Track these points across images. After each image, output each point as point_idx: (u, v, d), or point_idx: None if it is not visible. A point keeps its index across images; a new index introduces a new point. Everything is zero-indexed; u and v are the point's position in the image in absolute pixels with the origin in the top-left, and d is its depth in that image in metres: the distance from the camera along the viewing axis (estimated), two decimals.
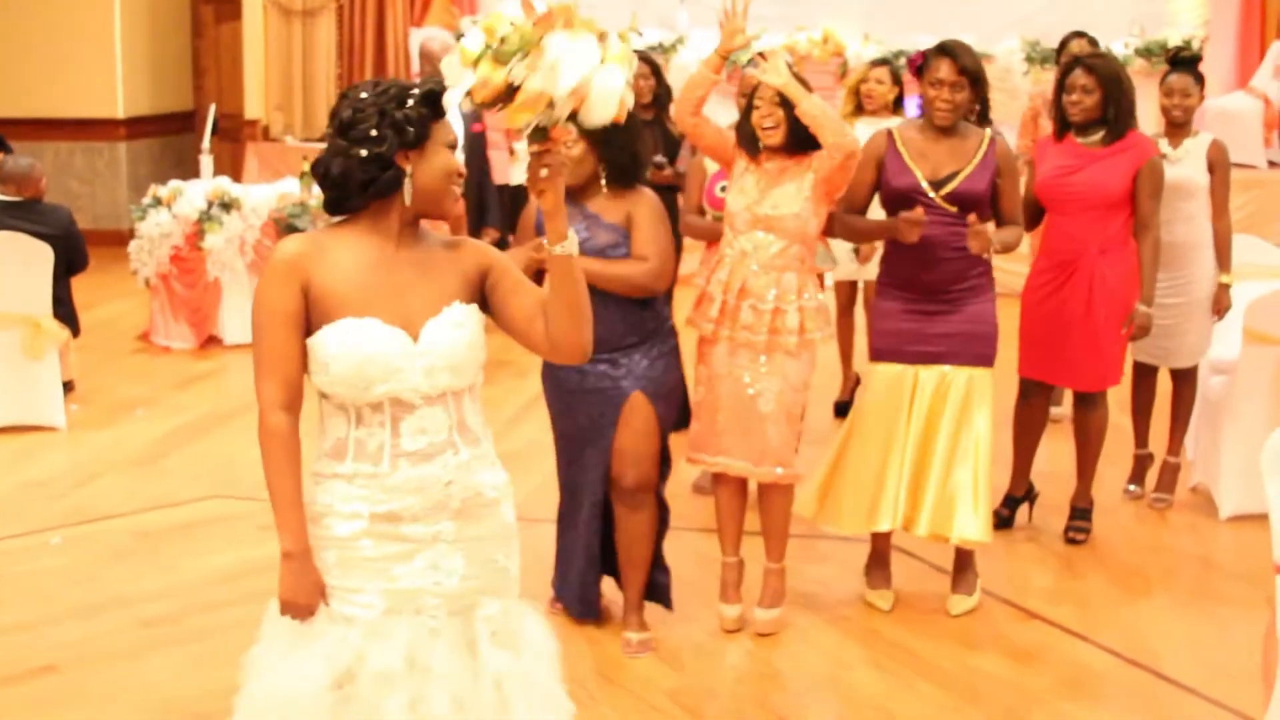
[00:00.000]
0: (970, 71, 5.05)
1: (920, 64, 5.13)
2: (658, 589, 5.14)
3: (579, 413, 4.90)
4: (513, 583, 3.22)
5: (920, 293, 5.15)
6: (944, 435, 5.11)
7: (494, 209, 8.68)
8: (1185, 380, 6.46)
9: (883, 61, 7.96)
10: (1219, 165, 6.20)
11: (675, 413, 5.08)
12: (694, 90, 5.04)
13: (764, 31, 11.20)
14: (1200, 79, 6.32)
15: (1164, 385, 6.50)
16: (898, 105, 7.54)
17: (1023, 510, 6.21)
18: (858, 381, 8.07)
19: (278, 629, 3.09)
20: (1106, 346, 5.83)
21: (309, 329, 3.01)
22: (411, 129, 3.00)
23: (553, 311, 3.09)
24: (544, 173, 3.00)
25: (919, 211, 5.01)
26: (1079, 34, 7.74)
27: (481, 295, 3.13)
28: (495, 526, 3.16)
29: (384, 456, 3.02)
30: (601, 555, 5.10)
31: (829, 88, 10.73)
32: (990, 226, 5.10)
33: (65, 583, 5.60)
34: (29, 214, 7.83)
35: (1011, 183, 5.17)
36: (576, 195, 4.70)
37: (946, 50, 5.08)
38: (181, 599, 5.46)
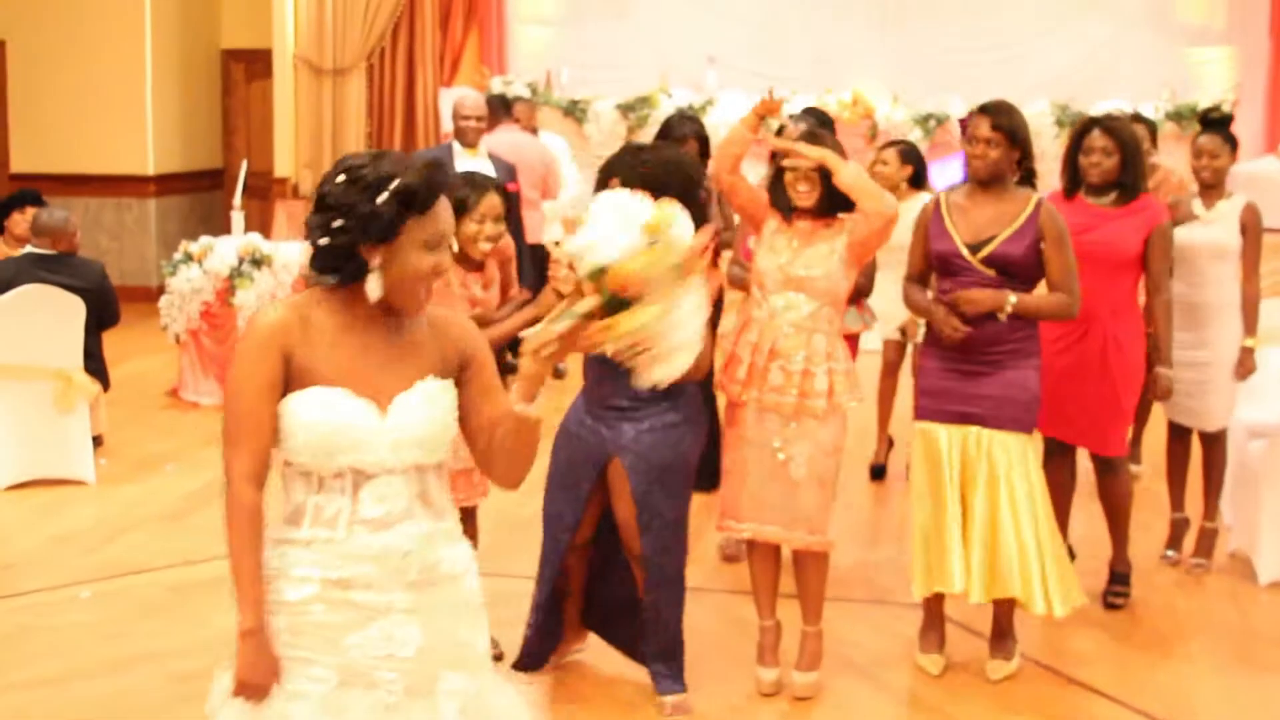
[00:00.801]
0: (1006, 129, 5.06)
1: (966, 124, 5.20)
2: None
3: (563, 449, 4.89)
4: (482, 659, 3.12)
5: (959, 353, 5.11)
6: (985, 500, 5.05)
7: (528, 270, 8.65)
8: (1214, 444, 6.41)
9: (894, 143, 7.97)
10: (1251, 228, 6.17)
11: (678, 493, 4.81)
12: (731, 148, 5.06)
13: (794, 94, 11.27)
14: (1232, 140, 6.31)
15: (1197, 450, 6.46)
16: (916, 183, 7.53)
17: None
18: (891, 445, 8.03)
19: (229, 713, 2.98)
20: (1121, 410, 5.80)
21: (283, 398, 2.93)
22: (378, 225, 2.87)
23: (499, 447, 3.01)
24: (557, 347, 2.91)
25: (961, 329, 5.03)
26: (1137, 118, 7.77)
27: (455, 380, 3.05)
28: (455, 600, 3.06)
29: (340, 522, 2.94)
30: (588, 608, 5.10)
31: (859, 150, 10.74)
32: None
33: (95, 637, 5.58)
34: (62, 267, 7.84)
35: (1057, 248, 5.08)
36: None
37: (985, 109, 5.14)
38: (212, 655, 5.32)
